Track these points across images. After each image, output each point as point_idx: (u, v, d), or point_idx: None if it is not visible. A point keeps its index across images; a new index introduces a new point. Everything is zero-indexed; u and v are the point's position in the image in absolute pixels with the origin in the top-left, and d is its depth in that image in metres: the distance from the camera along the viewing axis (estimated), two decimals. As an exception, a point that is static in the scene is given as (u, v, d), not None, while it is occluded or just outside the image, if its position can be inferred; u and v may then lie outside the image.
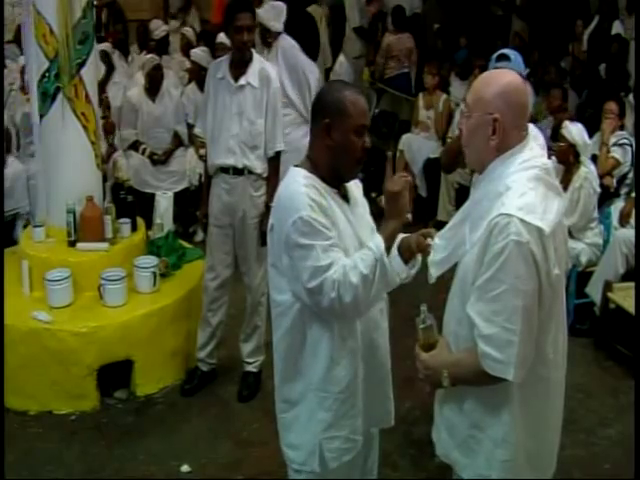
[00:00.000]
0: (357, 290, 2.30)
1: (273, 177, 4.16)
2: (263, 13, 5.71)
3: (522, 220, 2.09)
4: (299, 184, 2.38)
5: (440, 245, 2.36)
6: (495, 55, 4.00)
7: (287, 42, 5.72)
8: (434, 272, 2.36)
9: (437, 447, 2.47)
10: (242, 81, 4.12)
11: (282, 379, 2.55)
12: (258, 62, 4.20)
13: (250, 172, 4.18)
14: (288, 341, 2.48)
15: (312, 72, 5.74)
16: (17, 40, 7.56)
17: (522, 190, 2.15)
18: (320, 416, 2.48)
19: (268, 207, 4.04)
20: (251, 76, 4.12)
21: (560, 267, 2.23)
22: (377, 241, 2.34)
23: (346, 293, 2.30)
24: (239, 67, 4.14)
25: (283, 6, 5.72)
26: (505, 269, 2.09)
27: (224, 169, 4.20)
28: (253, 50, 4.20)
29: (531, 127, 2.40)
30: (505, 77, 2.27)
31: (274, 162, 4.22)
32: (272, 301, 2.53)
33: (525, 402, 2.26)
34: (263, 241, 4.07)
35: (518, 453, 2.29)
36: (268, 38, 5.75)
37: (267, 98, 4.15)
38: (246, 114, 4.12)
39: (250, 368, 4.43)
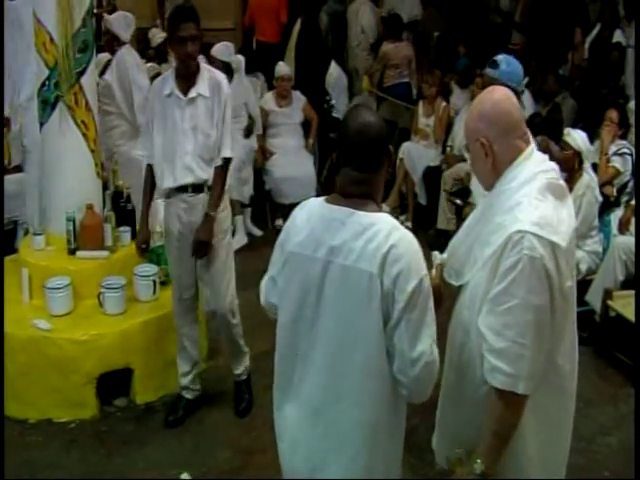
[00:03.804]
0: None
1: (218, 186, 3.96)
2: (113, 20, 5.97)
3: (536, 235, 2.10)
4: (411, 236, 2.18)
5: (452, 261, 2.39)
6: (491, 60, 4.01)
7: (128, 54, 5.88)
8: (455, 282, 2.38)
9: (438, 456, 2.46)
10: (192, 93, 3.89)
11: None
12: (206, 71, 3.97)
13: (210, 188, 3.98)
14: (379, 411, 2.23)
15: (137, 91, 5.75)
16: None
17: (534, 204, 2.17)
18: (393, 454, 2.36)
19: (207, 215, 3.92)
20: (201, 86, 3.90)
21: (572, 278, 2.25)
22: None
23: (431, 384, 2.20)
24: (187, 79, 3.90)
25: (133, 18, 5.97)
26: (517, 283, 2.10)
27: (182, 188, 3.98)
28: (199, 59, 4.00)
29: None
30: (484, 98, 2.30)
31: (220, 170, 3.97)
32: (371, 363, 2.18)
33: (538, 412, 2.25)
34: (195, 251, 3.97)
35: (530, 462, 2.29)
36: (115, 45, 5.93)
37: (217, 106, 3.92)
38: (200, 127, 3.91)
39: (241, 378, 4.36)
